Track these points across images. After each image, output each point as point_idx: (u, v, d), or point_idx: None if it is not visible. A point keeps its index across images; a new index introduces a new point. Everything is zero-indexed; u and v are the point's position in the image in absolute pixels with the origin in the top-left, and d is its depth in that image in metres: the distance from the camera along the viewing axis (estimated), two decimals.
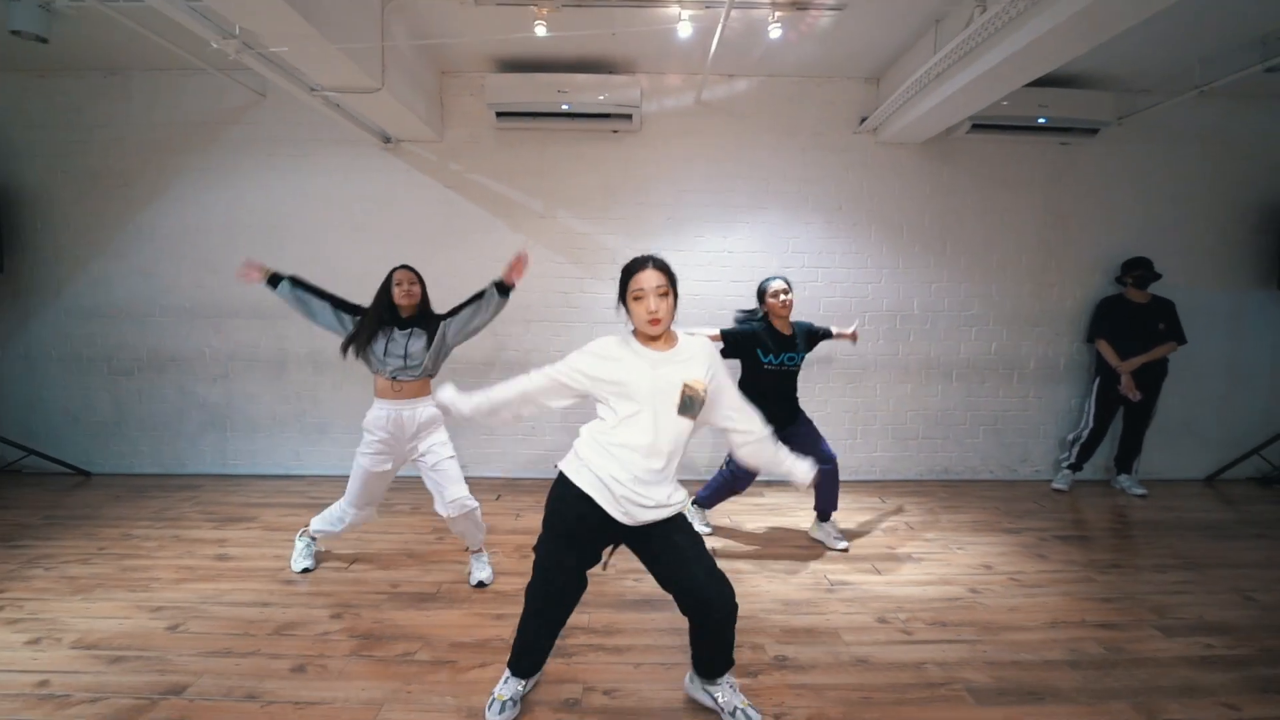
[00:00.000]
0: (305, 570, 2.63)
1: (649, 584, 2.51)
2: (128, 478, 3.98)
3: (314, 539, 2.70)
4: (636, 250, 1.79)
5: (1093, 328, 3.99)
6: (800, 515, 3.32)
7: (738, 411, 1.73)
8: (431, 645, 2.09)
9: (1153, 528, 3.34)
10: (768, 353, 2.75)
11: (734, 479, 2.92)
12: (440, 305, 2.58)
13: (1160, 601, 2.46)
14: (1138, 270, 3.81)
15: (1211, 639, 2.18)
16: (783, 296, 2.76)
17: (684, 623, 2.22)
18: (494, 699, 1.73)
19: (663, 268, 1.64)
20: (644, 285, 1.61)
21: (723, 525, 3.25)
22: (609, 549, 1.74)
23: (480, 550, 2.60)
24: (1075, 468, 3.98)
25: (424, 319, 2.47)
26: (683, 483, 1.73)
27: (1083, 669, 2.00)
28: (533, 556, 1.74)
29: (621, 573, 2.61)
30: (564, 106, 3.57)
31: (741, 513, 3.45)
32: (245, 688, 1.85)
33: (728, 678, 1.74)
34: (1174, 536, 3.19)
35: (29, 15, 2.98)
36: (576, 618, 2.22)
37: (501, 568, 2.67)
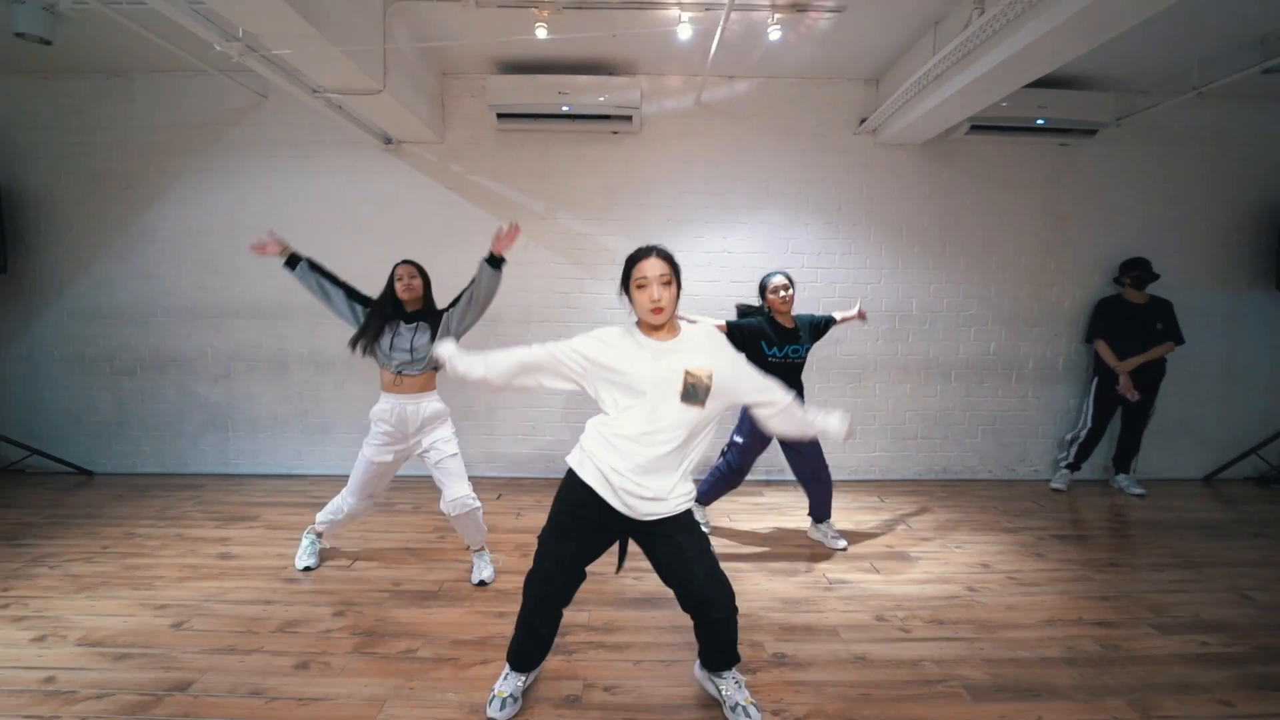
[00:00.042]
0: (307, 568, 2.65)
1: (649, 582, 2.54)
2: (130, 477, 4.00)
3: (319, 536, 2.72)
4: None
5: (1091, 328, 4.00)
6: (799, 515, 3.33)
7: (759, 388, 1.74)
8: (433, 643, 2.11)
9: (1151, 527, 3.35)
10: (771, 345, 2.78)
11: (731, 472, 2.94)
12: (442, 305, 2.60)
13: (1157, 600, 2.48)
14: (1136, 271, 3.83)
15: (1207, 637, 2.20)
16: (783, 292, 2.79)
17: (685, 620, 2.24)
18: (494, 695, 1.75)
19: (666, 257, 1.65)
20: (647, 274, 1.62)
21: (722, 525, 3.27)
22: (620, 548, 1.75)
23: (482, 549, 2.62)
24: (1073, 467, 4.00)
25: (429, 312, 2.50)
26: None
27: (1079, 666, 2.01)
28: (532, 557, 1.75)
29: (621, 571, 2.62)
30: (564, 108, 3.58)
31: (741, 512, 3.47)
32: (249, 684, 1.87)
33: (733, 673, 1.76)
34: (1172, 536, 3.20)
35: (33, 17, 3.00)
36: (576, 615, 2.25)
37: (503, 567, 2.69)
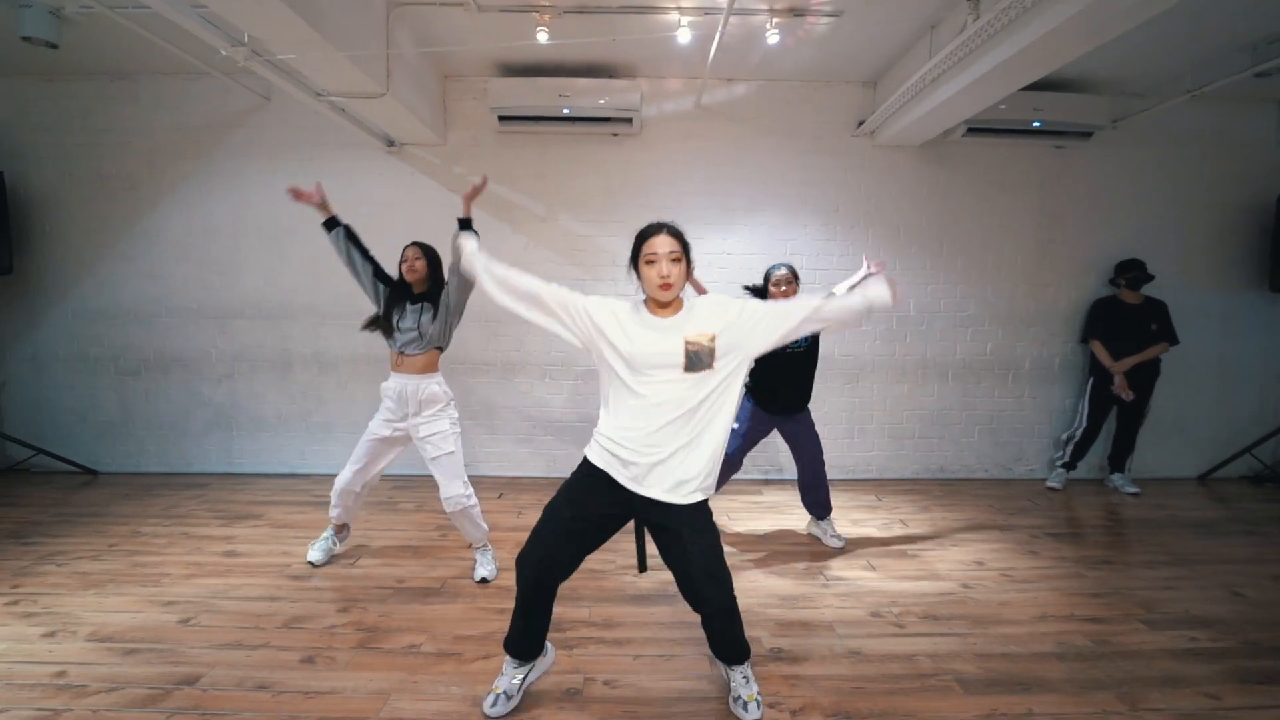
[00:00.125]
0: (311, 563, 2.69)
1: (648, 579, 2.58)
2: (135, 476, 4.04)
3: (335, 530, 2.76)
4: None
5: (1087, 328, 4.04)
6: (798, 513, 3.37)
7: (778, 321, 1.65)
8: (436, 638, 2.15)
9: (1145, 525, 3.39)
10: None
11: (731, 458, 2.95)
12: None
13: (1148, 596, 2.52)
14: (1131, 272, 3.87)
15: (1197, 632, 2.24)
16: (784, 286, 2.82)
17: (683, 616, 2.29)
18: (492, 691, 1.77)
19: (676, 234, 1.65)
20: (657, 250, 1.62)
21: (720, 524, 3.31)
22: (639, 549, 1.74)
23: (485, 546, 2.66)
24: (1069, 466, 4.04)
25: (434, 293, 2.55)
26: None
27: (1069, 661, 2.05)
28: (517, 574, 1.76)
29: (621, 569, 2.67)
30: (565, 110, 3.62)
31: (740, 511, 3.51)
32: (256, 678, 1.91)
33: (744, 668, 1.79)
34: (1165, 534, 3.24)
35: (39, 21, 3.04)
36: (578, 611, 2.29)
37: (504, 565, 2.72)
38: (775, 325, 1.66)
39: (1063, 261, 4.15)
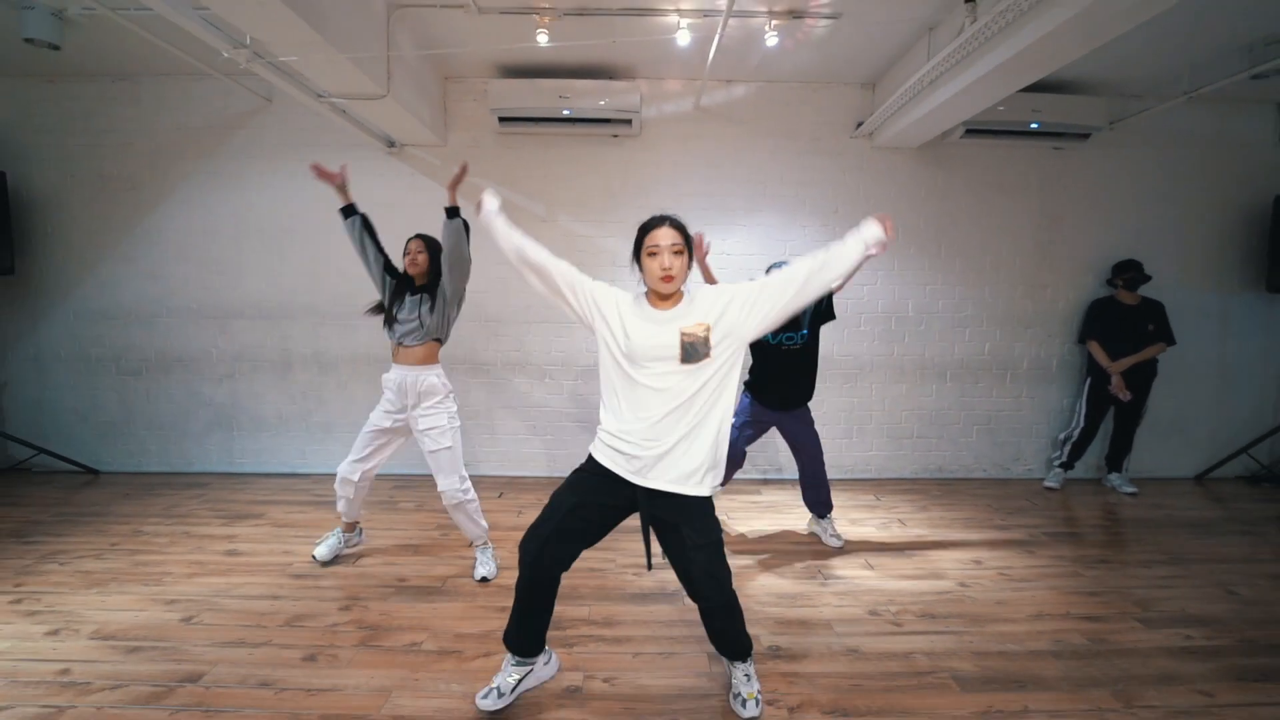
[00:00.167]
0: (315, 557, 2.71)
1: (647, 578, 2.60)
2: (136, 476, 4.05)
3: (344, 529, 2.77)
4: None
5: (1084, 329, 4.06)
6: (796, 513, 3.39)
7: (775, 294, 1.63)
8: (437, 636, 2.17)
9: (1141, 525, 3.41)
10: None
11: (732, 453, 2.96)
12: None
13: (1144, 595, 2.54)
14: (1128, 272, 3.88)
15: (1192, 630, 2.26)
16: None
17: (681, 615, 2.31)
18: (488, 684, 1.78)
19: (679, 226, 1.67)
20: (660, 241, 1.63)
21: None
22: (645, 546, 1.74)
23: (485, 544, 2.68)
24: (1067, 466, 4.05)
25: (434, 284, 2.57)
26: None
27: (1065, 659, 2.07)
28: (519, 559, 1.76)
29: (621, 567, 2.69)
30: (565, 111, 3.64)
31: (739, 510, 3.52)
32: (259, 676, 1.93)
33: (747, 665, 1.81)
34: (1162, 533, 3.26)
35: (42, 23, 3.05)
36: (577, 609, 2.31)
37: (504, 564, 2.74)
38: (770, 301, 1.65)
39: (1061, 262, 4.17)
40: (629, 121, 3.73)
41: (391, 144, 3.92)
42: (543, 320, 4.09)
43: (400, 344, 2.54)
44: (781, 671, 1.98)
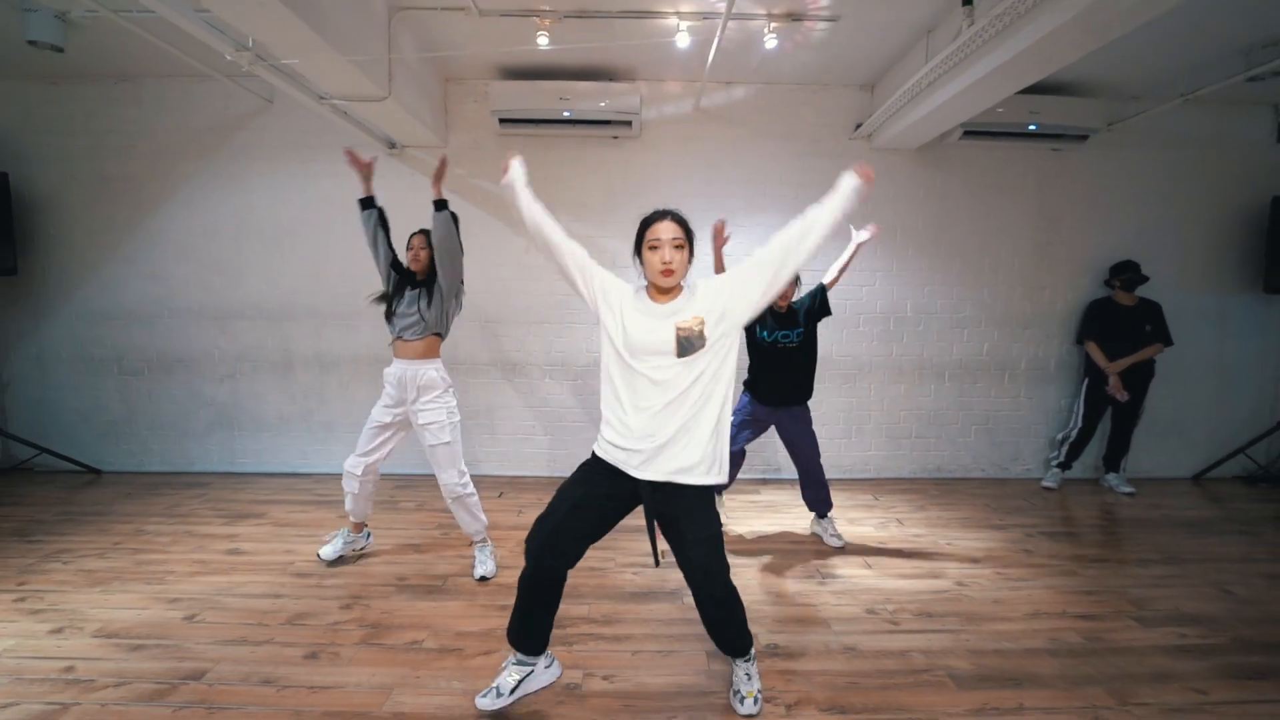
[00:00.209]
0: (319, 557, 2.73)
1: (646, 577, 2.62)
2: (137, 475, 4.07)
3: (352, 529, 2.78)
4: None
5: (1082, 330, 4.08)
6: (795, 512, 3.40)
7: (762, 268, 1.63)
8: (438, 634, 2.18)
9: (1138, 524, 3.43)
10: (763, 328, 2.85)
11: (732, 454, 2.97)
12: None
13: (1140, 594, 2.55)
14: (1126, 273, 3.90)
15: (1186, 629, 2.27)
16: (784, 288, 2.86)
17: (680, 614, 2.33)
18: (489, 686, 1.77)
19: (680, 221, 1.68)
20: (661, 235, 1.65)
21: None
22: (651, 541, 1.74)
23: (484, 542, 2.69)
24: (1064, 466, 4.07)
25: (433, 279, 2.60)
26: None
27: (1061, 657, 2.09)
28: (525, 551, 1.77)
29: (621, 566, 2.70)
30: (565, 113, 3.66)
31: (738, 510, 3.54)
32: (261, 673, 1.94)
33: (748, 665, 1.82)
34: (1158, 533, 3.28)
35: (45, 26, 3.07)
36: (577, 608, 2.32)
37: (504, 563, 2.76)
38: (757, 277, 1.64)
39: (1059, 263, 4.19)
40: (629, 123, 3.75)
41: (392, 145, 3.94)
42: (543, 321, 4.11)
43: (400, 338, 2.57)
44: (779, 669, 1.99)
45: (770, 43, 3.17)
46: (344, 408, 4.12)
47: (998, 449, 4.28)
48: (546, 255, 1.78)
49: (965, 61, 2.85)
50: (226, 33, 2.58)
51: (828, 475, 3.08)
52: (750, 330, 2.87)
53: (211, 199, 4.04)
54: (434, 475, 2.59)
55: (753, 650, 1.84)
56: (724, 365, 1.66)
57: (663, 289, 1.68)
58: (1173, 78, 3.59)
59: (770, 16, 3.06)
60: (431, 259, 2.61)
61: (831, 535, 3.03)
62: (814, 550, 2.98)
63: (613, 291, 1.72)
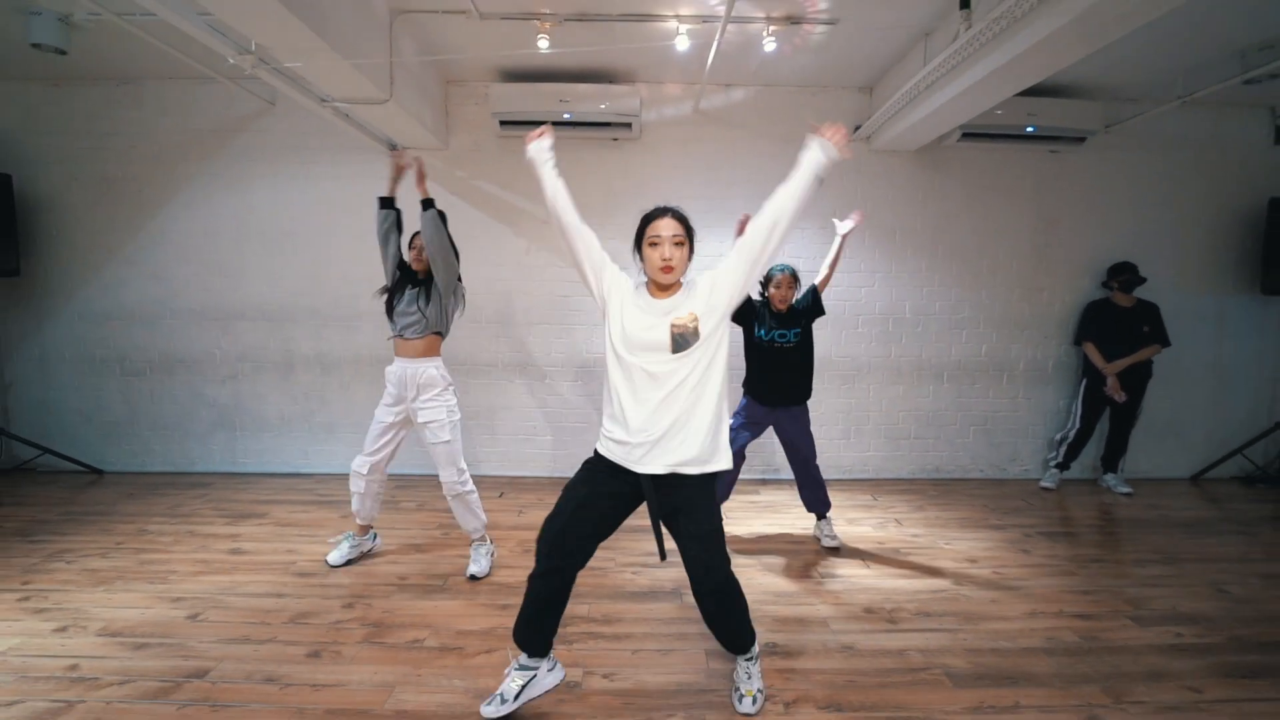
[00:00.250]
0: (327, 563, 2.73)
1: (646, 576, 2.63)
2: (139, 475, 4.09)
3: (356, 533, 2.79)
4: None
5: (1080, 331, 4.10)
6: (794, 512, 3.42)
7: (741, 251, 1.66)
8: (439, 633, 2.20)
9: (1135, 524, 3.44)
10: (760, 326, 2.89)
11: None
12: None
13: (1136, 594, 2.57)
14: (1123, 275, 3.92)
15: (1182, 628, 2.29)
16: (771, 289, 2.88)
17: (679, 613, 2.35)
18: (494, 692, 1.76)
19: (680, 218, 1.70)
20: (661, 232, 1.67)
21: None
22: (656, 537, 1.74)
23: (483, 540, 2.71)
24: (1063, 467, 4.09)
25: (433, 279, 2.62)
26: None
27: (1057, 655, 2.10)
28: (534, 553, 1.78)
29: (621, 566, 2.72)
30: (566, 115, 3.67)
31: (738, 510, 3.55)
32: (264, 671, 1.96)
33: (749, 664, 1.83)
34: (1156, 533, 3.29)
35: (48, 29, 3.09)
36: (577, 607, 2.34)
37: (504, 561, 2.78)
38: (740, 259, 1.67)
39: (1057, 265, 4.20)
40: (629, 125, 3.77)
41: (393, 146, 3.96)
42: (543, 322, 4.13)
43: (401, 336, 2.60)
44: (778, 668, 2.01)
45: (769, 45, 3.20)
46: (345, 408, 4.14)
47: (996, 450, 4.30)
48: (559, 235, 1.78)
49: (963, 65, 2.87)
50: (229, 36, 2.60)
51: (827, 475, 3.10)
52: (749, 330, 2.90)
53: (213, 200, 4.06)
54: (435, 475, 2.61)
55: (755, 648, 1.85)
56: (717, 354, 1.68)
57: (662, 285, 1.71)
58: (1170, 80, 3.61)
59: (769, 19, 3.08)
60: None
61: (827, 536, 3.05)
62: (813, 550, 3.00)
63: (616, 286, 1.74)
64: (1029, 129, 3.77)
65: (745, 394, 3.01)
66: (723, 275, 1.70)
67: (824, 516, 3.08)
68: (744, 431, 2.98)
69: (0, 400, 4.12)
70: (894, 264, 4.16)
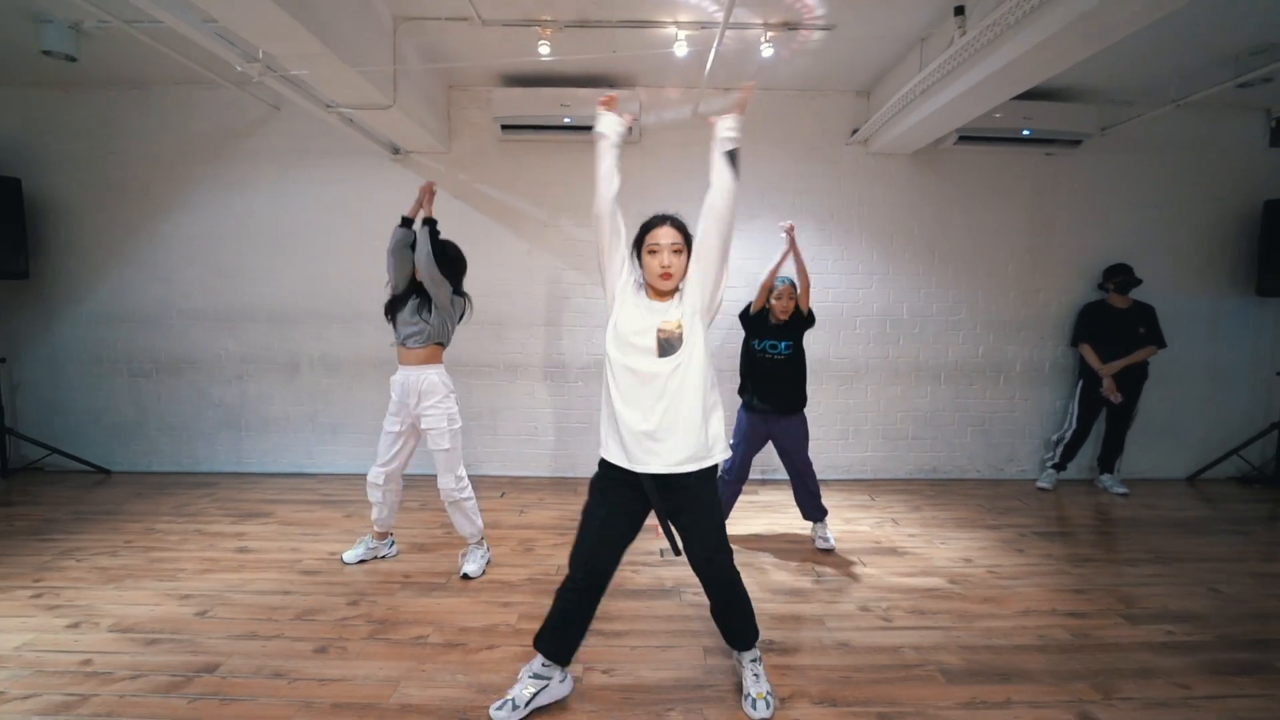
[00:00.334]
0: (343, 561, 2.79)
1: (645, 575, 2.68)
2: (147, 475, 4.14)
3: (374, 537, 2.84)
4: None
5: (1076, 332, 4.13)
6: (793, 512, 3.45)
7: (699, 239, 1.73)
8: (443, 629, 2.25)
9: (1131, 524, 3.48)
10: (756, 336, 2.95)
11: (731, 480, 3.04)
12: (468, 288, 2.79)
13: (1129, 592, 2.61)
14: (1119, 276, 3.95)
15: (1173, 626, 2.33)
16: (773, 300, 2.92)
17: (679, 611, 2.39)
18: (503, 696, 1.78)
19: (680, 226, 1.75)
20: (660, 240, 1.71)
21: None
22: (666, 534, 1.77)
23: (479, 543, 2.75)
24: (1059, 467, 4.12)
25: None
26: None
27: (1049, 653, 2.14)
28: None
29: (621, 565, 2.76)
30: (566, 119, 3.72)
31: (737, 509, 3.58)
32: (272, 666, 2.01)
33: (754, 664, 1.86)
34: (1151, 533, 3.33)
35: (59, 36, 3.15)
36: None
37: (506, 560, 2.82)
38: (696, 265, 1.72)
39: (1053, 266, 4.24)
40: (629, 129, 3.80)
41: (396, 151, 4.01)
42: (544, 323, 4.18)
43: (404, 345, 2.64)
44: (774, 664, 2.05)
45: (767, 51, 3.24)
46: (348, 409, 4.19)
47: (993, 450, 4.34)
48: (600, 220, 1.75)
49: (958, 70, 2.91)
50: (236, 43, 2.65)
51: (825, 476, 3.14)
52: (747, 340, 2.96)
53: (218, 203, 4.12)
54: (434, 475, 2.66)
55: (757, 645, 1.88)
56: (695, 351, 1.70)
57: (660, 291, 1.75)
58: (1164, 83, 3.65)
59: (767, 25, 3.12)
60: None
61: (821, 539, 3.07)
62: (810, 549, 3.04)
63: (621, 283, 1.78)
64: (1025, 132, 3.80)
65: (741, 407, 3.04)
66: (693, 281, 1.74)
67: (820, 520, 3.12)
68: (742, 446, 3.01)
69: (9, 401, 4.17)
70: (891, 266, 4.20)
